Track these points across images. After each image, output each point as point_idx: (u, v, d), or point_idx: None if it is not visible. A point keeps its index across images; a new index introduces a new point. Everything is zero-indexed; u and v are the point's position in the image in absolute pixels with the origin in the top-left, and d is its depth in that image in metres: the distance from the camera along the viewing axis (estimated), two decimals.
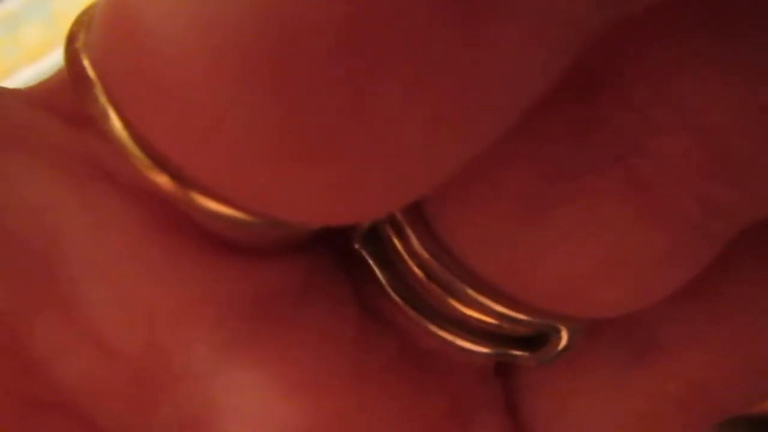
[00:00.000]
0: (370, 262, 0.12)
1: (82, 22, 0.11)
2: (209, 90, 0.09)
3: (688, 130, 0.10)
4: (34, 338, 0.10)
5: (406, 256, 0.12)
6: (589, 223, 0.11)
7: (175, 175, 0.10)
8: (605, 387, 0.13)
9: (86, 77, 0.10)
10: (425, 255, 0.12)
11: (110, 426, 0.11)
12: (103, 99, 0.10)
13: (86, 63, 0.10)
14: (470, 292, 0.12)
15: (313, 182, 0.09)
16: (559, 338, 0.12)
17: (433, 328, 0.12)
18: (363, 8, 0.08)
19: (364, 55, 0.09)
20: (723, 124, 0.10)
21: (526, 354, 0.13)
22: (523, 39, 0.09)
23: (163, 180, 0.10)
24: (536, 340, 0.12)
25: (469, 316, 0.12)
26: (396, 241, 0.12)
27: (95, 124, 0.11)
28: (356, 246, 0.12)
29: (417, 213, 0.12)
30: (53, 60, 0.51)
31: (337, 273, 0.12)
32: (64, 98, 0.11)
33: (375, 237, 0.12)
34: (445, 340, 0.12)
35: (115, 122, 0.10)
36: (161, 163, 0.10)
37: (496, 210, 0.11)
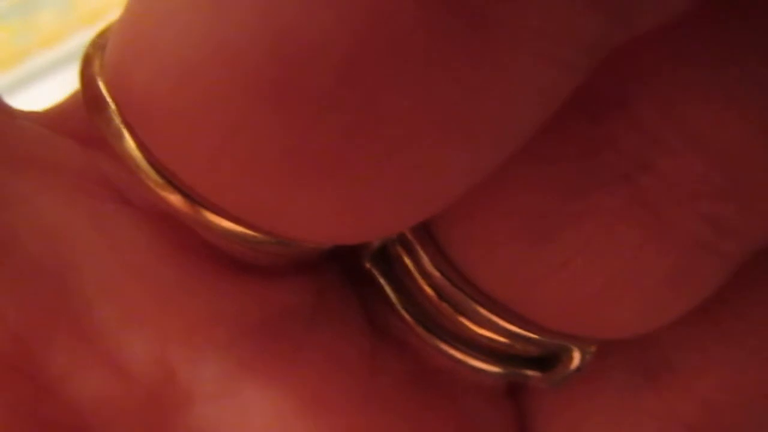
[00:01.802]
0: (381, 281, 0.12)
1: (97, 45, 0.11)
2: (218, 112, 0.09)
3: (696, 150, 0.10)
4: (48, 359, 0.10)
5: (416, 275, 0.12)
6: (598, 243, 0.11)
7: (187, 194, 0.10)
8: (618, 410, 0.13)
9: (101, 99, 0.10)
10: (436, 274, 0.12)
11: None
12: (117, 120, 0.10)
13: (101, 85, 0.10)
14: (481, 311, 0.12)
15: (321, 202, 0.10)
16: (571, 358, 0.12)
17: (444, 348, 0.12)
18: (370, 32, 0.08)
19: (371, 78, 0.09)
20: (730, 144, 0.10)
21: (537, 374, 0.12)
22: (532, 61, 0.09)
23: (175, 199, 0.11)
24: (547, 360, 0.12)
25: (480, 336, 0.12)
26: (407, 260, 0.12)
27: (109, 145, 0.11)
28: (367, 265, 0.12)
29: (427, 232, 0.12)
30: (68, 46, 0.51)
31: (348, 292, 0.12)
32: (77, 120, 0.11)
33: (385, 256, 0.12)
34: (455, 360, 0.12)
35: (129, 143, 0.10)
36: (173, 182, 0.10)
37: (506, 230, 0.11)
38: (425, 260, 0.12)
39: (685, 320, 0.12)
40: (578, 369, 0.12)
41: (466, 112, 0.09)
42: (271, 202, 0.10)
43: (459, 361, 0.12)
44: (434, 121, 0.09)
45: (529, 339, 0.12)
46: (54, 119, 0.11)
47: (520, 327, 0.12)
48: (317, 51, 0.08)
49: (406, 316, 0.12)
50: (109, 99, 0.10)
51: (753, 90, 0.10)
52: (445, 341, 0.12)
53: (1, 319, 0.10)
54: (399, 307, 0.12)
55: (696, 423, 0.13)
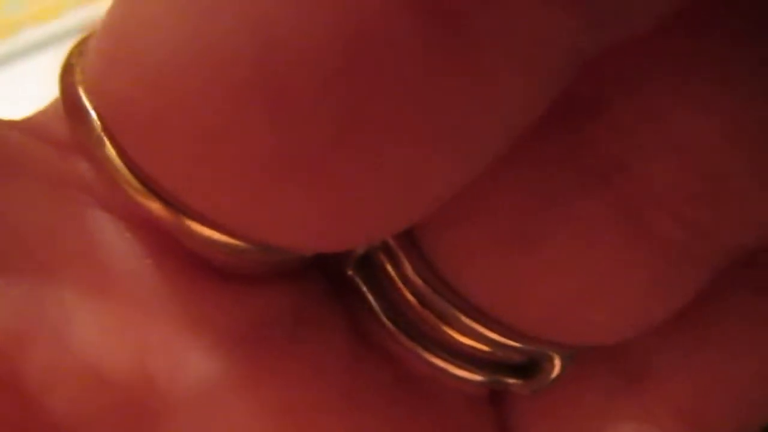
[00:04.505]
0: (363, 288, 0.12)
1: (77, 53, 0.11)
2: (201, 119, 0.09)
3: (674, 155, 0.10)
4: (28, 368, 0.10)
5: (399, 283, 0.12)
6: (579, 249, 0.11)
7: (168, 201, 0.10)
8: (597, 414, 0.13)
9: (81, 106, 0.10)
10: (418, 281, 0.12)
11: None
12: (98, 128, 0.10)
13: (81, 92, 0.10)
14: (463, 319, 0.12)
15: (306, 209, 0.10)
16: (552, 365, 0.12)
17: (426, 356, 0.12)
18: (357, 42, 0.08)
19: (358, 87, 0.09)
20: (708, 149, 0.10)
21: (519, 381, 0.13)
22: (515, 70, 0.09)
23: (155, 207, 0.10)
24: (529, 367, 0.12)
25: (462, 344, 0.12)
26: (389, 268, 0.12)
27: (90, 153, 0.11)
28: (349, 272, 0.12)
29: (410, 239, 0.12)
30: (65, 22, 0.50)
31: (330, 300, 0.12)
32: (58, 127, 0.11)
33: (368, 263, 0.12)
34: (438, 368, 0.12)
35: (110, 150, 0.10)
36: (154, 189, 0.10)
37: (488, 237, 0.11)
38: (408, 268, 0.12)
39: (663, 327, 0.12)
40: (559, 375, 0.12)
41: (450, 120, 0.09)
42: (255, 210, 0.10)
43: (441, 370, 0.12)
44: (419, 127, 0.09)
45: (510, 346, 0.12)
46: (35, 127, 0.11)
47: (502, 334, 0.12)
48: (306, 61, 0.08)
49: (389, 324, 0.12)
50: (89, 107, 0.10)
51: (730, 96, 0.10)
52: (428, 349, 0.12)
53: None
54: (381, 314, 0.12)
55: (672, 426, 0.13)
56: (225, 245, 0.11)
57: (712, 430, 0.13)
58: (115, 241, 0.11)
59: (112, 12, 0.10)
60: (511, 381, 0.13)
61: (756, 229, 0.11)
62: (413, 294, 0.12)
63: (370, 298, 0.12)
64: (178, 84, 0.09)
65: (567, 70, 0.09)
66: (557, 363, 0.12)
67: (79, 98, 0.10)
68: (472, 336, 0.12)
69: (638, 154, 0.10)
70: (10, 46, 0.46)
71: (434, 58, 0.08)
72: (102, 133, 0.10)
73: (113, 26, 0.10)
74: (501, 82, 0.09)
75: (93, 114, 0.10)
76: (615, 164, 0.10)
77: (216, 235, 0.11)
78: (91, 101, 0.10)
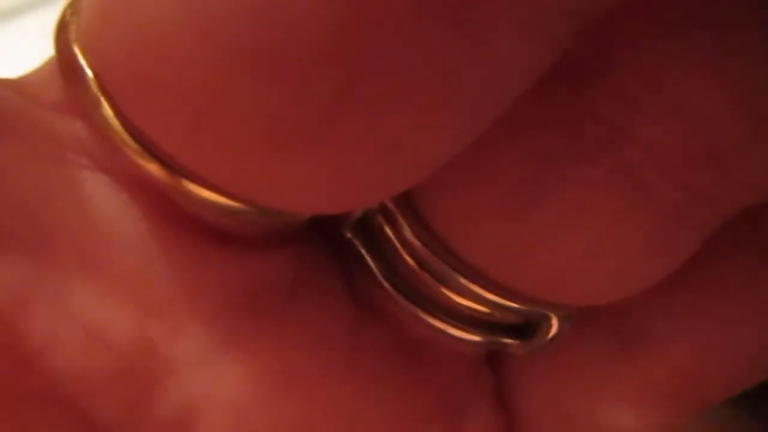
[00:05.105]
0: (362, 251, 0.12)
1: (73, 11, 0.11)
2: (200, 77, 0.09)
3: (677, 118, 0.10)
4: (27, 330, 0.10)
5: (397, 245, 0.12)
6: (578, 211, 0.11)
7: (166, 163, 0.10)
8: (595, 377, 0.13)
9: (78, 66, 0.10)
10: (417, 244, 0.12)
11: (104, 419, 0.11)
12: (94, 87, 0.10)
13: (77, 52, 0.10)
14: (462, 280, 0.12)
15: (303, 170, 0.09)
16: (550, 326, 0.12)
17: (425, 317, 0.12)
18: (356, 4, 0.08)
19: (358, 45, 0.09)
20: (710, 112, 0.10)
21: (516, 342, 0.13)
22: (512, 30, 0.09)
23: (153, 168, 0.10)
24: (527, 328, 0.13)
25: (461, 305, 0.12)
26: (388, 230, 0.12)
27: (86, 114, 0.10)
28: (347, 235, 0.12)
29: (408, 202, 0.12)
30: None
31: (329, 263, 0.12)
32: (53, 87, 0.11)
33: (366, 226, 0.12)
34: (436, 329, 0.12)
35: (107, 111, 0.10)
36: (152, 151, 0.10)
37: (487, 199, 0.11)
38: (406, 230, 0.12)
39: (660, 289, 0.12)
40: (556, 336, 0.12)
41: (449, 83, 0.09)
42: (255, 171, 0.10)
43: (439, 331, 0.12)
44: (419, 87, 0.09)
45: (509, 307, 0.12)
46: (31, 87, 0.11)
47: (501, 296, 0.12)
48: (305, 19, 0.08)
49: (387, 286, 0.12)
50: (85, 66, 0.10)
51: (734, 61, 0.10)
52: (426, 311, 0.12)
53: None
54: (380, 277, 0.12)
55: (670, 389, 0.13)
56: (223, 207, 0.11)
57: (710, 393, 0.13)
58: (112, 203, 0.11)
59: None
60: (508, 341, 0.13)
61: (756, 193, 0.11)
62: (411, 256, 0.12)
63: (369, 260, 0.12)
64: (175, 42, 0.09)
65: (567, 33, 0.09)
66: (554, 324, 0.12)
67: (75, 57, 0.10)
68: (471, 297, 0.12)
69: (639, 118, 0.10)
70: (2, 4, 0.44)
71: (433, 21, 0.08)
72: (98, 93, 0.10)
73: None
74: (501, 44, 0.09)
75: (89, 73, 0.10)
76: (615, 128, 0.10)
77: (214, 197, 0.10)
78: (86, 60, 0.10)
